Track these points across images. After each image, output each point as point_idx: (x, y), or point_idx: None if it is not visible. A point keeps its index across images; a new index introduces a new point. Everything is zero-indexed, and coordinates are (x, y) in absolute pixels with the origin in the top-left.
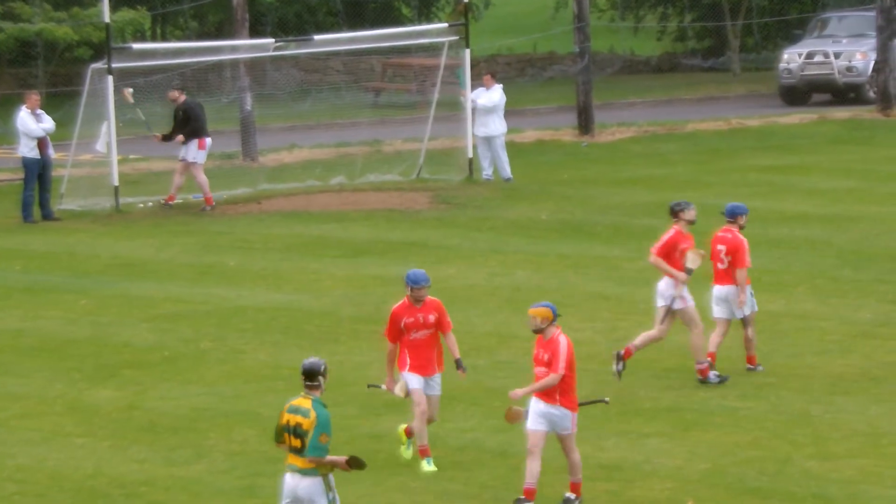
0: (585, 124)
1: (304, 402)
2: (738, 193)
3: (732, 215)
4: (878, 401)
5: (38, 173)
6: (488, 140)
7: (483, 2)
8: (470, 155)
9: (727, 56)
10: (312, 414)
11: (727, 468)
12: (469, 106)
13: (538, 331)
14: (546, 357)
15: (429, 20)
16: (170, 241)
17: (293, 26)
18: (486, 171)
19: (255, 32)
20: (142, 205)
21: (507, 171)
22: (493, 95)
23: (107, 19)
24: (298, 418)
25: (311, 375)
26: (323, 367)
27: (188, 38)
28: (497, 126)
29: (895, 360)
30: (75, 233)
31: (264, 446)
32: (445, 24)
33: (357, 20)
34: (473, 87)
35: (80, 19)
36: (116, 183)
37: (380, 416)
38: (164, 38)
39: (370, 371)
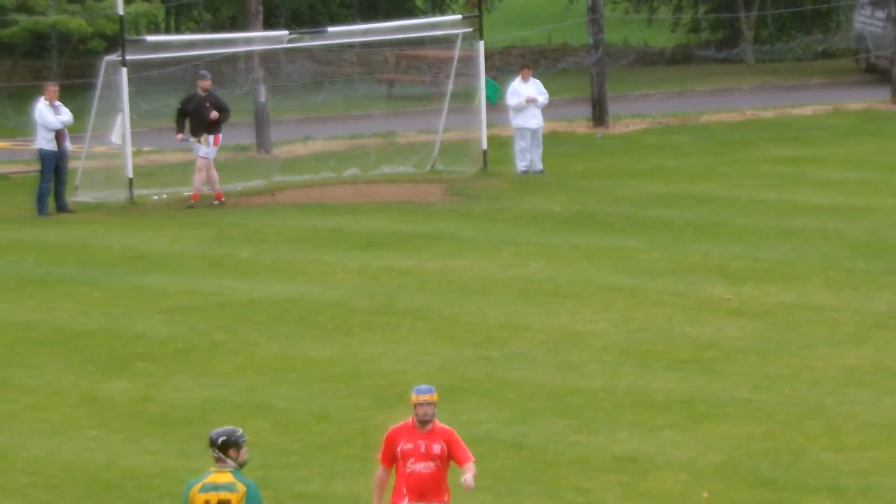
0: (599, 116)
1: (221, 476)
2: (752, 185)
3: None
4: (891, 392)
5: (54, 165)
6: (536, 132)
7: None
8: (484, 146)
9: (741, 47)
10: (240, 487)
11: (740, 460)
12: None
13: None
14: None
15: (442, 12)
16: (183, 233)
17: (307, 18)
18: (525, 163)
19: (268, 24)
20: (156, 197)
21: (540, 164)
22: (540, 88)
23: (121, 11)
24: (223, 495)
25: (223, 448)
26: (239, 439)
27: (202, 31)
28: (541, 117)
29: None
30: (89, 225)
31: (277, 438)
32: (459, 16)
33: (370, 12)
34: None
35: (93, 11)
36: (131, 175)
37: (393, 408)
38: (177, 31)
39: (383, 363)
